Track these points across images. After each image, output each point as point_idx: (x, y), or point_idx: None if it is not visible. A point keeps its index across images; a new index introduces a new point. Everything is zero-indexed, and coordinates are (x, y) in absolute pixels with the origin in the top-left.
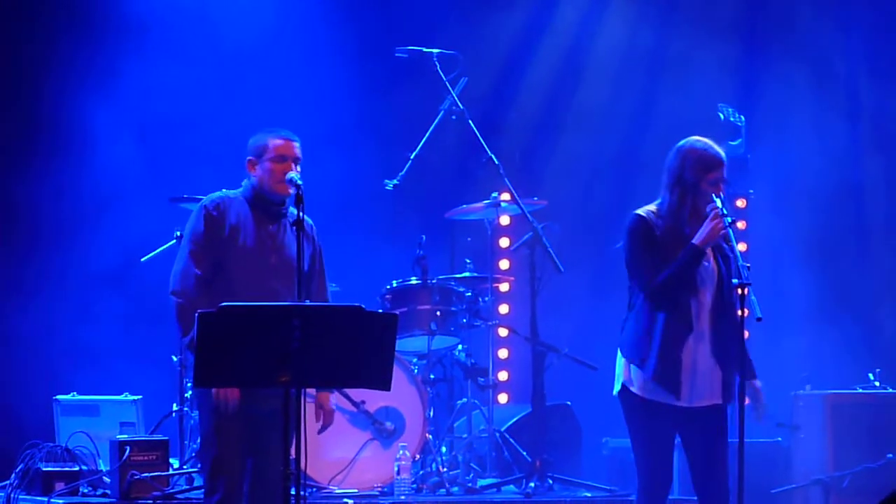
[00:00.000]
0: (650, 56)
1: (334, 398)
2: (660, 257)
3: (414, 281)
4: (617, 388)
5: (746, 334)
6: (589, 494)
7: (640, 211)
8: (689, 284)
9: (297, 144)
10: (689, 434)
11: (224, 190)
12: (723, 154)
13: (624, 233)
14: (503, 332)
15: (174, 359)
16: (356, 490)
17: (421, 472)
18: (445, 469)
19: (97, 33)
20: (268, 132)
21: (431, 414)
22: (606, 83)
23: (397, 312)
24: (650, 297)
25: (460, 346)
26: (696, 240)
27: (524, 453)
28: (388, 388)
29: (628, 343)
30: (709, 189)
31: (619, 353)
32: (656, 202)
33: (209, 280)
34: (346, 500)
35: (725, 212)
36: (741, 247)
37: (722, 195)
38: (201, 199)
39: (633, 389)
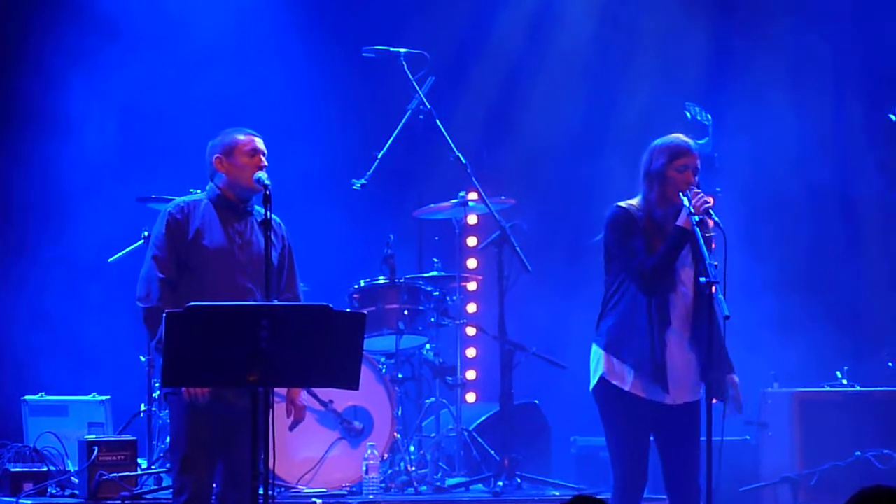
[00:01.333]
0: (618, 54)
1: (304, 395)
2: (646, 245)
3: (382, 280)
4: (594, 381)
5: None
6: (557, 493)
7: (622, 203)
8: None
9: (260, 139)
10: (663, 431)
11: (191, 191)
12: (691, 143)
13: (606, 224)
14: (471, 330)
15: (142, 359)
16: (325, 489)
17: (389, 472)
18: (414, 468)
19: (69, 30)
20: (231, 130)
21: (400, 413)
22: (574, 81)
23: (365, 311)
24: (642, 280)
25: (428, 346)
26: (679, 221)
27: (492, 452)
28: (356, 388)
29: (611, 336)
30: (677, 176)
31: (594, 347)
32: (636, 198)
33: (174, 283)
34: (314, 499)
35: (692, 210)
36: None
37: (696, 182)
38: (169, 198)
39: (615, 382)
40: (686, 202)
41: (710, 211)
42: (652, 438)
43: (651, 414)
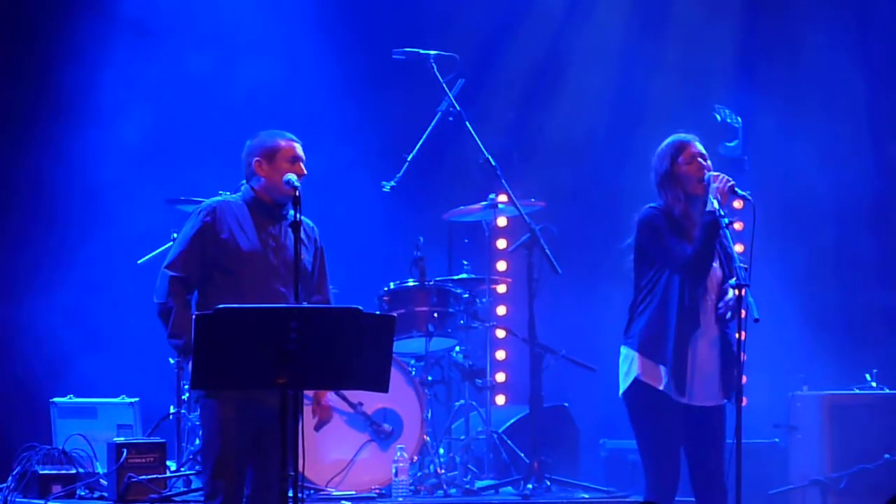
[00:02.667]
0: (647, 55)
1: (331, 396)
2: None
3: (411, 282)
4: (626, 384)
5: (744, 335)
6: (586, 496)
7: (652, 204)
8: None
9: (301, 146)
10: (691, 434)
11: (220, 193)
12: (687, 136)
13: (639, 224)
14: (500, 333)
15: (171, 361)
16: (354, 492)
17: (419, 474)
18: (443, 471)
19: (102, 31)
20: (271, 134)
21: (429, 415)
22: (603, 83)
23: (395, 314)
24: (685, 270)
25: (458, 348)
26: (708, 206)
27: (522, 455)
28: (385, 390)
29: (643, 338)
30: (688, 169)
31: (625, 350)
32: (657, 203)
33: (188, 282)
34: (343, 501)
35: (723, 213)
36: (738, 248)
37: (708, 165)
38: (198, 200)
39: (650, 382)
40: (716, 204)
41: (736, 188)
42: None
43: (681, 415)
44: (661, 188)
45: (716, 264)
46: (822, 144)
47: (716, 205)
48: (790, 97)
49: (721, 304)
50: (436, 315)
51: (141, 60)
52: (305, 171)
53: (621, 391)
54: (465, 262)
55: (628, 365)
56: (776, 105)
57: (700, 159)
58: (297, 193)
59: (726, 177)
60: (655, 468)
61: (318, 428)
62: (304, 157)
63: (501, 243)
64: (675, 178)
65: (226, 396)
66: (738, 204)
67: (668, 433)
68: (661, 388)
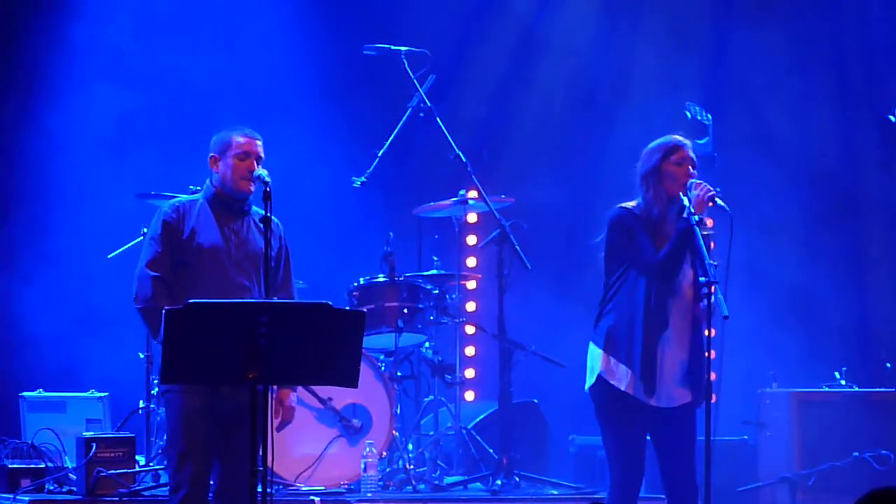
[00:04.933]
0: (618, 53)
1: (294, 395)
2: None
3: (381, 278)
4: (591, 380)
5: (713, 332)
6: (555, 492)
7: (623, 204)
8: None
9: (259, 143)
10: (660, 432)
11: (191, 188)
12: (685, 140)
13: (610, 224)
14: (470, 329)
15: (141, 355)
16: (323, 487)
17: (388, 470)
18: (412, 466)
19: (66, 22)
20: (231, 129)
21: (398, 411)
22: (573, 80)
23: (365, 309)
24: (655, 273)
25: (427, 344)
26: (685, 214)
27: (491, 451)
28: (355, 386)
29: (609, 336)
30: (676, 170)
31: (592, 346)
32: (634, 201)
33: (168, 281)
34: (312, 497)
35: (693, 210)
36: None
37: (694, 173)
38: (169, 195)
39: (612, 382)
40: (686, 202)
41: (717, 198)
42: (649, 438)
43: (647, 414)
44: (644, 183)
45: (686, 265)
46: (788, 141)
47: (686, 202)
48: (762, 95)
49: (703, 306)
50: (405, 311)
51: (110, 54)
52: (255, 168)
53: (587, 387)
54: (435, 258)
55: (593, 362)
56: (748, 103)
57: (690, 165)
58: (268, 189)
59: (708, 186)
60: (618, 464)
61: (279, 428)
62: (258, 153)
63: (471, 239)
64: (660, 176)
65: (191, 390)
66: (709, 222)
67: (631, 431)
68: (622, 388)
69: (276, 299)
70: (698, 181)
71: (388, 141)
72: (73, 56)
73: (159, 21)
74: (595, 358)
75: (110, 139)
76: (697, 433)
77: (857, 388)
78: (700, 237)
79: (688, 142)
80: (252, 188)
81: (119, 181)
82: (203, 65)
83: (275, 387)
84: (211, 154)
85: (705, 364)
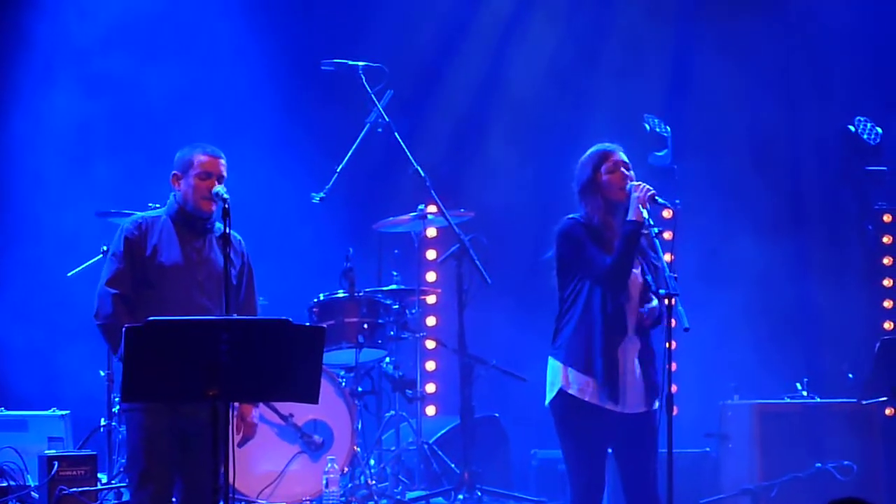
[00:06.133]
0: (579, 68)
1: (257, 412)
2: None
3: (341, 294)
4: (551, 395)
5: (674, 344)
6: None
7: (572, 215)
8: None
9: (223, 161)
10: (620, 442)
11: (150, 206)
12: (611, 145)
13: (558, 236)
14: (430, 344)
15: (102, 373)
16: (285, 503)
17: (350, 485)
18: (374, 482)
19: (25, 40)
20: (194, 147)
21: (360, 427)
22: (533, 94)
23: (325, 325)
24: (605, 280)
25: (388, 359)
26: (630, 216)
27: (453, 465)
28: (315, 402)
29: (569, 348)
30: (610, 178)
31: (551, 361)
32: (578, 214)
33: (129, 299)
34: None
35: (652, 222)
36: (667, 257)
37: (631, 175)
38: (129, 213)
39: (573, 393)
40: (645, 214)
41: (657, 197)
42: (610, 451)
43: (608, 425)
44: (583, 196)
45: (637, 270)
46: (745, 151)
47: (645, 214)
48: (720, 103)
49: (643, 310)
50: (366, 326)
51: (70, 71)
52: (217, 187)
53: (547, 401)
54: (395, 273)
55: (553, 375)
56: (707, 112)
57: (623, 168)
58: (227, 206)
59: (647, 186)
60: (579, 478)
61: (241, 444)
62: (221, 172)
63: (431, 254)
64: (596, 187)
65: (152, 408)
66: (667, 213)
67: (592, 443)
68: (586, 399)
69: (235, 316)
70: (637, 183)
71: (347, 156)
72: (32, 54)
73: (123, 32)
74: (555, 372)
75: (70, 149)
76: (659, 445)
77: (818, 399)
78: (659, 249)
79: (616, 146)
80: (213, 208)
81: (78, 196)
82: (163, 79)
83: (236, 403)
84: (173, 172)
85: (660, 370)
